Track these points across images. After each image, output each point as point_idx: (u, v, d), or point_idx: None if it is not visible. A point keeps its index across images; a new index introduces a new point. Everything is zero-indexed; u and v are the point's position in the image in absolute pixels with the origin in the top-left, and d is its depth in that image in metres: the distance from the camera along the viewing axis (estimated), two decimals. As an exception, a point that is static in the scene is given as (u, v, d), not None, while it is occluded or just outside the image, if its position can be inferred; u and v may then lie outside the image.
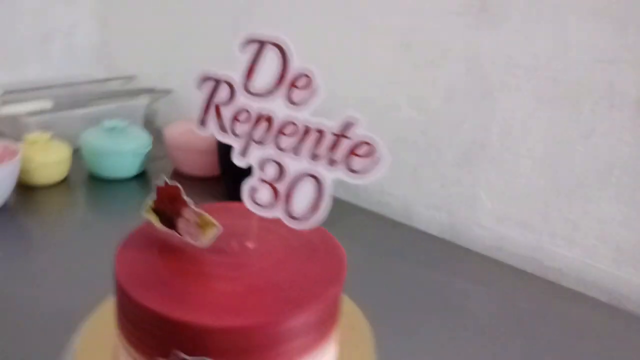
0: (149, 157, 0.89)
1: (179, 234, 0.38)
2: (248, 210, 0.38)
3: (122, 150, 0.82)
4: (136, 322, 0.34)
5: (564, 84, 0.67)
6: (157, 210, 0.39)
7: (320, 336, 0.36)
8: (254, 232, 0.39)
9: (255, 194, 0.37)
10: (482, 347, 0.57)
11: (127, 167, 0.84)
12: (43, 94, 0.90)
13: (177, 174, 0.91)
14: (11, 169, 0.72)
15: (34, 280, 0.61)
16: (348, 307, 0.46)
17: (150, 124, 1.08)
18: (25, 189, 0.80)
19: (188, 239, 0.38)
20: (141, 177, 0.89)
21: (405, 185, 0.85)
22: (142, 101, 1.01)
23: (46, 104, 0.87)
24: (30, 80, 1.02)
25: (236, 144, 0.37)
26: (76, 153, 0.86)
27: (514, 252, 0.77)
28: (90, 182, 0.86)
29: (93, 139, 0.83)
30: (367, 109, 0.85)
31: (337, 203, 0.88)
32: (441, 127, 0.79)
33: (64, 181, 0.84)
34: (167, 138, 0.88)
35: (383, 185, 0.87)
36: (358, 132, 0.32)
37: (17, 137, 0.81)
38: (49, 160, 0.79)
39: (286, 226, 0.42)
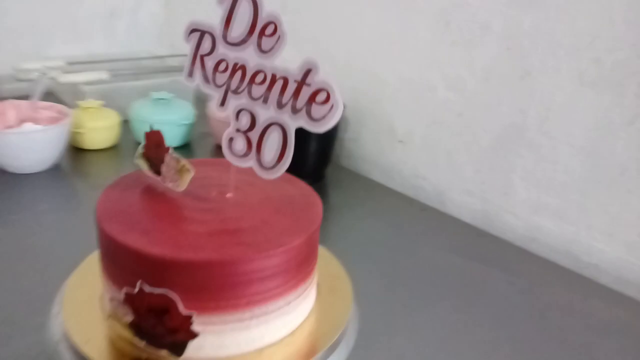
0: (194, 131, 0.93)
1: (163, 179, 0.40)
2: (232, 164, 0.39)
3: (165, 120, 0.86)
4: (109, 253, 0.36)
5: (607, 65, 0.63)
6: (146, 158, 0.41)
7: (284, 287, 0.36)
8: (233, 183, 0.40)
9: (232, 144, 0.38)
10: (494, 335, 0.55)
11: (170, 136, 0.87)
12: (102, 66, 0.97)
13: (219, 148, 0.94)
14: (62, 130, 0.78)
15: (73, 230, 0.66)
16: (336, 271, 0.46)
17: (203, 102, 1.12)
18: (77, 151, 0.87)
19: (169, 184, 0.39)
20: (185, 148, 0.93)
21: (439, 170, 0.83)
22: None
23: (103, 75, 0.93)
24: (94, 53, 1.10)
25: (217, 94, 0.38)
26: (128, 122, 0.92)
27: (548, 244, 0.73)
28: (137, 149, 0.91)
29: (140, 108, 0.88)
30: (404, 89, 0.84)
31: (370, 184, 0.89)
32: (477, 109, 0.76)
33: (113, 147, 0.90)
34: (210, 113, 0.91)
35: (417, 168, 0.85)
36: (317, 79, 0.32)
37: (74, 104, 0.88)
38: (99, 126, 0.85)
39: (271, 181, 0.43)
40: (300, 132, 0.77)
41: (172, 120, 0.87)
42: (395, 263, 0.67)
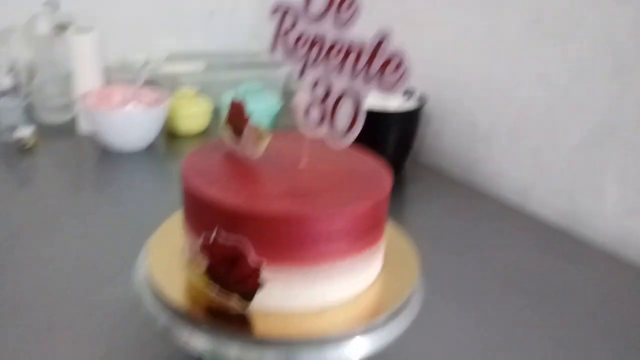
0: (281, 122, 0.97)
1: (243, 147, 0.43)
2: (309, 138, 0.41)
3: (252, 109, 0.90)
4: (190, 205, 0.39)
5: None
6: (229, 126, 0.44)
7: (349, 249, 0.37)
8: (307, 153, 0.41)
9: (308, 114, 0.40)
10: (568, 337, 0.53)
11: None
12: (199, 59, 1.04)
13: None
14: (159, 113, 0.84)
15: (161, 203, 0.72)
16: (404, 247, 0.46)
17: (290, 95, 1.16)
18: (171, 135, 0.94)
19: (247, 151, 0.42)
20: (270, 137, 0.97)
21: (524, 168, 0.80)
22: (282, 72, 1.10)
23: (199, 67, 1.00)
24: (192, 48, 1.18)
25: (296, 67, 0.40)
26: (219, 111, 0.97)
27: (641, 252, 0.68)
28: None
29: (230, 98, 0.93)
30: (490, 84, 0.82)
31: (450, 181, 0.88)
32: (568, 106, 0.73)
33: (204, 133, 0.95)
34: (295, 104, 0.94)
35: (500, 166, 0.83)
36: (389, 48, 0.33)
37: (172, 92, 0.94)
38: (192, 112, 0.91)
39: (342, 154, 0.44)
40: (382, 124, 0.78)
41: (259, 109, 0.92)
42: (469, 256, 0.66)
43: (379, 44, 0.33)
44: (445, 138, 0.92)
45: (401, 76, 0.32)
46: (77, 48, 0.85)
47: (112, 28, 1.09)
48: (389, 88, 0.33)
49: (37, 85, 0.93)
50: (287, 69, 0.40)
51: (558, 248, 0.69)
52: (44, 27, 0.90)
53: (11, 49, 1.01)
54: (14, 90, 0.85)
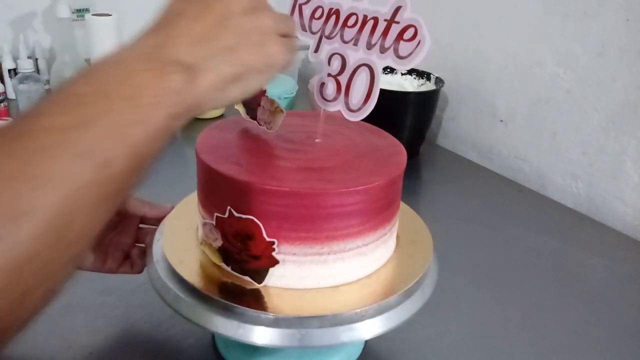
0: (297, 105, 0.97)
1: (259, 123, 0.43)
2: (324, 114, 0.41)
3: (269, 93, 0.90)
4: (205, 182, 0.39)
5: None
6: (244, 103, 0.44)
7: (362, 227, 0.37)
8: (322, 130, 0.41)
9: (323, 89, 0.39)
10: (583, 318, 0.53)
11: (273, 109, 0.92)
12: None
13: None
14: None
15: (177, 185, 0.72)
16: (419, 227, 0.46)
17: (306, 79, 1.16)
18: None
19: (263, 126, 0.42)
20: (286, 121, 0.97)
21: (542, 151, 0.79)
22: (298, 56, 1.09)
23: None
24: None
25: (312, 42, 0.40)
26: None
27: (662, 236, 0.67)
28: (241, 120, 0.96)
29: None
30: (509, 65, 0.81)
31: (466, 164, 0.87)
32: (589, 86, 0.71)
33: (220, 117, 0.96)
34: (310, 88, 0.94)
35: (518, 149, 0.82)
36: (405, 16, 0.32)
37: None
38: (209, 96, 0.91)
39: (359, 132, 0.44)
40: (398, 105, 0.78)
41: (275, 94, 0.91)
42: (486, 239, 0.65)
43: (395, 12, 0.33)
44: (462, 122, 0.91)
45: (417, 45, 0.32)
46: (96, 32, 0.85)
47: (129, 13, 1.09)
48: (404, 58, 0.33)
49: (57, 70, 0.94)
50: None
51: (576, 232, 0.68)
52: (64, 11, 0.91)
53: (31, 34, 1.02)
54: (34, 75, 0.86)
